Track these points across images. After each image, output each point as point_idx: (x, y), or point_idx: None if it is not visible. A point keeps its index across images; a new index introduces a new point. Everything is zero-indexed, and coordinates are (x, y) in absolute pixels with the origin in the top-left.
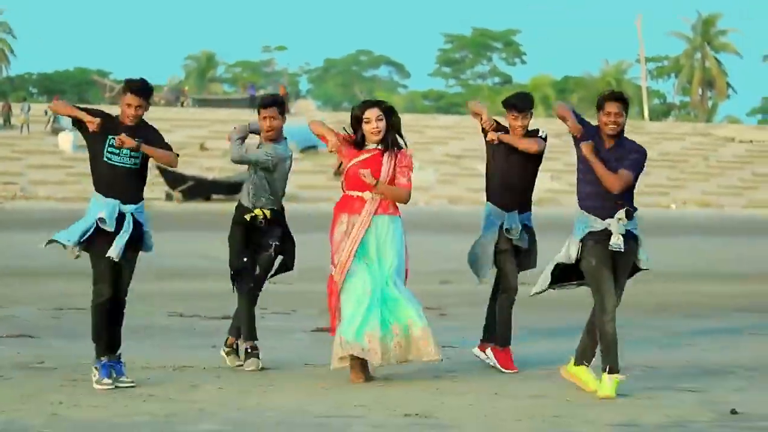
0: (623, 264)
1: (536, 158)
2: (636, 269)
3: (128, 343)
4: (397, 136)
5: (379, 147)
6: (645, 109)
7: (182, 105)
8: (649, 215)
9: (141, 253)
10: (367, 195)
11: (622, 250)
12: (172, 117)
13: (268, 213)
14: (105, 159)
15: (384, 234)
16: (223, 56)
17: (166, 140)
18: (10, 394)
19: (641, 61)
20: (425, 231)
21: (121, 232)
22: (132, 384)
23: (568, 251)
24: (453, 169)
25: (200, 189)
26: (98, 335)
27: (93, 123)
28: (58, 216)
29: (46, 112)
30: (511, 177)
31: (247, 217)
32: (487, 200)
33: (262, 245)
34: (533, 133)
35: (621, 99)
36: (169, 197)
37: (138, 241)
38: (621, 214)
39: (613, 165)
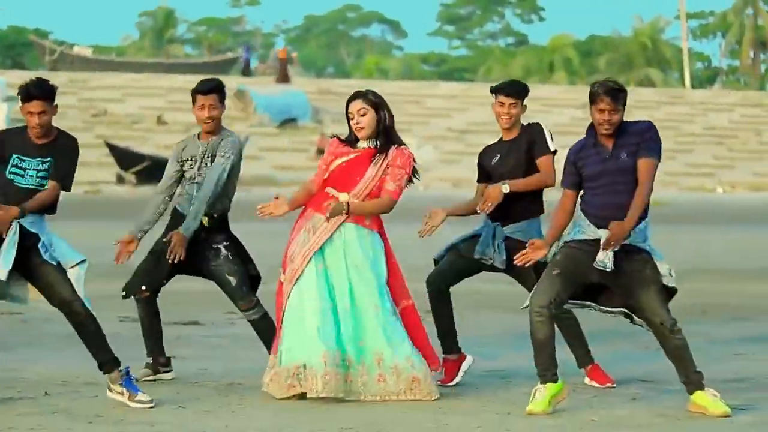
0: (635, 283)
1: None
2: (667, 290)
3: (71, 352)
4: (393, 133)
5: (370, 146)
6: (686, 74)
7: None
8: (691, 200)
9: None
10: (343, 196)
11: (607, 270)
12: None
13: (204, 220)
14: (8, 177)
15: (355, 245)
16: (184, 13)
17: (69, 163)
18: None
19: (681, 18)
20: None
21: (4, 246)
22: (152, 404)
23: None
24: (457, 146)
25: (157, 170)
26: None
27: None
28: None
29: None
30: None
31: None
32: None
33: (204, 257)
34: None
35: (616, 92)
36: (120, 180)
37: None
38: (604, 233)
39: (619, 166)
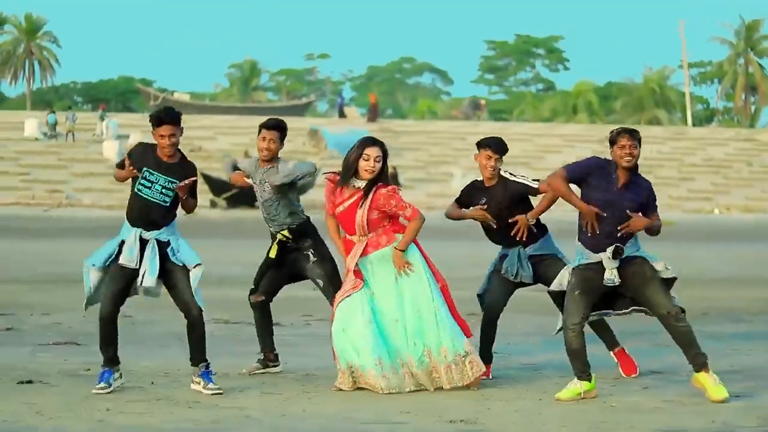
0: (639, 284)
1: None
2: (667, 281)
3: (174, 350)
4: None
5: (359, 187)
6: (688, 114)
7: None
8: (692, 221)
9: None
10: (354, 238)
11: (616, 284)
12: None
13: (285, 234)
14: (135, 191)
15: (390, 267)
16: (266, 64)
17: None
18: (58, 402)
19: (684, 67)
20: (456, 237)
21: (148, 259)
22: (219, 391)
23: (561, 279)
24: None
25: (244, 196)
26: (100, 346)
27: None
28: (102, 223)
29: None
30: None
31: (272, 253)
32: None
33: (300, 262)
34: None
35: (632, 132)
36: (213, 205)
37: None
38: (609, 251)
39: (625, 204)
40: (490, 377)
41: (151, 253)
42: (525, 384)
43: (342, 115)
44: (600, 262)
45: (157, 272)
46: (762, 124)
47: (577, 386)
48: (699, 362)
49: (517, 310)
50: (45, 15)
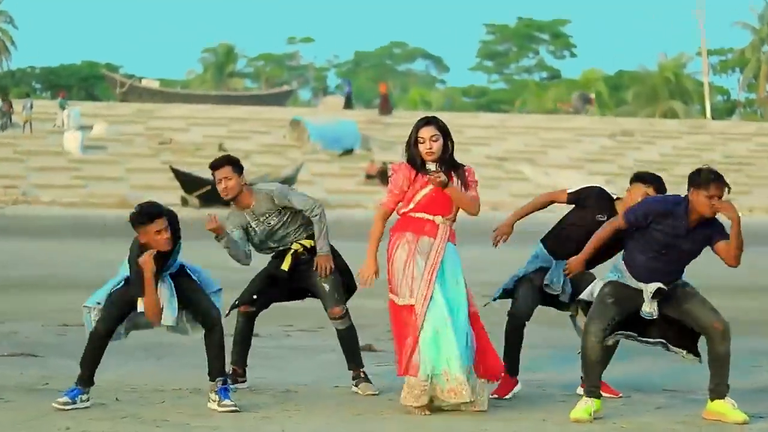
0: (680, 298)
1: None
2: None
3: (139, 363)
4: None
5: (442, 168)
6: (707, 106)
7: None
8: None
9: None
10: (438, 219)
11: (654, 317)
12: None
13: (307, 243)
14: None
15: (451, 261)
16: (244, 49)
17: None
18: (13, 418)
19: (703, 55)
20: (464, 240)
21: (165, 298)
22: (236, 409)
23: (593, 288)
24: (496, 173)
25: (219, 194)
26: (82, 362)
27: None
28: (62, 222)
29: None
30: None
31: (285, 265)
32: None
33: (307, 275)
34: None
35: (725, 181)
36: (185, 202)
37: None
38: (653, 287)
39: (688, 247)
40: (510, 396)
41: (168, 291)
42: (527, 402)
43: (349, 105)
44: (638, 289)
45: (176, 310)
46: None
47: (588, 404)
48: (720, 391)
49: None
50: None
